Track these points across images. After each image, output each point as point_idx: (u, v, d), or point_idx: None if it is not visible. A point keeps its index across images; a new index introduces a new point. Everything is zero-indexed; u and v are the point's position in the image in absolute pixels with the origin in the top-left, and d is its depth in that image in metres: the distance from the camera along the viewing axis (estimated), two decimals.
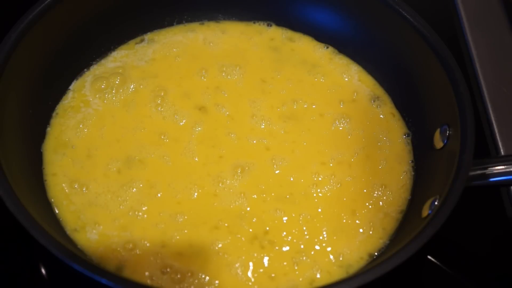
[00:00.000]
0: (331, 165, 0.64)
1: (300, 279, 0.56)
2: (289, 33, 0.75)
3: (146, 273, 0.55)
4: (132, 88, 0.68)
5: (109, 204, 0.59)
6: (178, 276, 0.55)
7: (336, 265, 0.57)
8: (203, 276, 0.55)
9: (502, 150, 0.72)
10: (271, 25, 0.75)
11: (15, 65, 0.58)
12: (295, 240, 0.58)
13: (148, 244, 0.57)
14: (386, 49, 0.70)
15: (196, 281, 0.55)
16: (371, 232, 0.60)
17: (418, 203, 0.59)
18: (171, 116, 0.66)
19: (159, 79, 0.69)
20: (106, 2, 0.69)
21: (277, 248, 0.58)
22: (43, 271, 0.61)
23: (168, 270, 0.55)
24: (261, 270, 0.56)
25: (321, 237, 0.59)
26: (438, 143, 0.62)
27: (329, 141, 0.65)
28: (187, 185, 0.61)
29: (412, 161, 0.65)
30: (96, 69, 0.70)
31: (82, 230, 0.58)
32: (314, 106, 0.68)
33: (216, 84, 0.69)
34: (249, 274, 0.56)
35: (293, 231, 0.59)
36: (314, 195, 0.61)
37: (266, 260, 0.57)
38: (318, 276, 0.56)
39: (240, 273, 0.56)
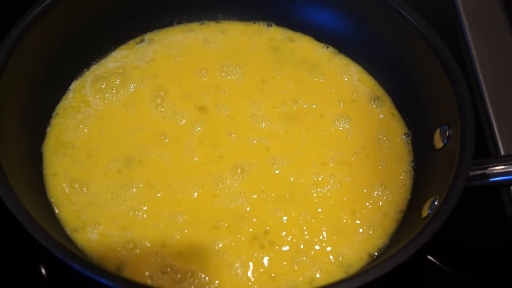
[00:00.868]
0: (331, 165, 0.64)
1: (300, 279, 0.56)
2: (289, 33, 0.75)
3: (146, 273, 0.55)
4: (132, 88, 0.68)
5: (109, 204, 0.59)
6: (178, 276, 0.55)
7: (336, 265, 0.57)
8: (203, 276, 0.55)
9: (502, 150, 0.72)
10: (271, 25, 0.75)
11: (15, 65, 0.58)
12: (295, 240, 0.58)
13: (148, 244, 0.57)
14: (386, 49, 0.70)
15: (196, 281, 0.55)
16: (371, 232, 0.60)
17: (418, 203, 0.59)
18: (171, 116, 0.66)
19: (159, 79, 0.69)
20: (106, 2, 0.69)
21: (277, 248, 0.58)
22: (43, 271, 0.61)
23: (168, 270, 0.55)
24: (261, 270, 0.56)
25: (321, 237, 0.59)
26: (438, 143, 0.62)
27: (329, 141, 0.66)
28: (187, 185, 0.61)
29: (412, 161, 0.65)
30: (96, 69, 0.70)
31: (82, 230, 0.58)
32: (314, 106, 0.68)
33: (216, 84, 0.69)
34: (249, 274, 0.56)
35: (293, 231, 0.59)
36: (314, 195, 0.61)
37: (266, 260, 0.57)
38: (318, 276, 0.56)
39: (240, 273, 0.56)
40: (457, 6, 0.86)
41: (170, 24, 0.75)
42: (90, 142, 0.63)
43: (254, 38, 0.74)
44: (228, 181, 0.61)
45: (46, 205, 0.59)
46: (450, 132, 0.59)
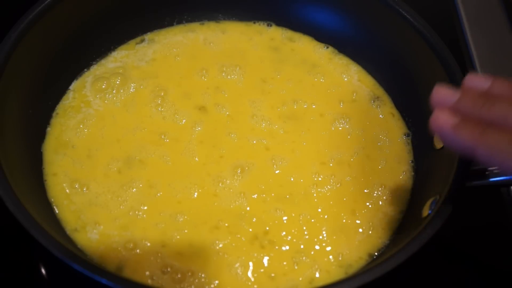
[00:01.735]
0: (331, 165, 0.64)
1: (300, 279, 0.56)
2: (289, 33, 0.75)
3: (147, 273, 0.55)
4: (133, 88, 0.68)
5: (110, 204, 0.59)
6: (179, 275, 0.55)
7: (335, 265, 0.57)
8: (203, 276, 0.55)
9: None
10: (271, 25, 0.75)
11: (15, 65, 0.58)
12: (295, 240, 0.58)
13: (148, 244, 0.57)
14: (386, 49, 0.70)
15: (196, 281, 0.55)
16: (370, 232, 0.60)
17: (418, 203, 0.59)
18: (171, 116, 0.66)
19: (159, 79, 0.69)
20: (106, 2, 0.69)
21: (277, 248, 0.58)
22: (43, 271, 0.61)
23: (168, 269, 0.55)
24: (261, 270, 0.56)
25: (320, 237, 0.59)
26: (438, 143, 0.62)
27: (329, 141, 0.66)
28: (187, 185, 0.61)
29: (412, 161, 0.65)
30: (97, 69, 0.70)
31: (83, 230, 0.58)
32: (314, 106, 0.68)
33: (216, 84, 0.69)
34: (249, 274, 0.56)
35: (293, 231, 0.59)
36: (314, 195, 0.61)
37: (266, 260, 0.57)
38: (317, 275, 0.56)
39: (240, 273, 0.56)
40: (457, 6, 0.86)
41: (170, 24, 0.75)
42: (90, 142, 0.63)
43: (254, 38, 0.74)
44: (228, 181, 0.61)
45: (46, 205, 0.59)
46: None
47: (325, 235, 0.59)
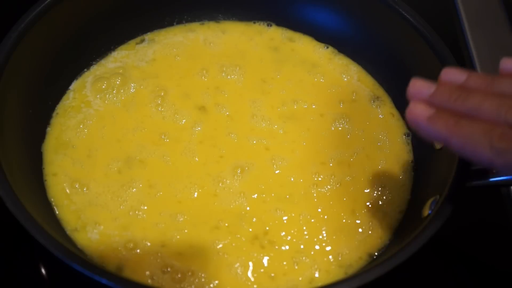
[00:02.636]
0: (331, 165, 0.64)
1: (300, 279, 0.56)
2: (289, 33, 0.75)
3: (147, 273, 0.55)
4: (133, 88, 0.68)
5: (110, 204, 0.59)
6: (179, 275, 0.55)
7: (335, 265, 0.57)
8: (203, 276, 0.55)
9: None
10: (271, 25, 0.75)
11: (15, 65, 0.58)
12: (294, 240, 0.58)
13: (148, 244, 0.57)
14: (386, 49, 0.70)
15: (196, 281, 0.55)
16: (370, 232, 0.60)
17: (418, 203, 0.59)
18: (171, 116, 0.66)
19: (159, 79, 0.69)
20: (106, 2, 0.69)
21: (277, 247, 0.58)
22: (43, 271, 0.61)
23: (168, 269, 0.55)
24: (261, 270, 0.56)
25: (320, 237, 0.59)
26: (438, 143, 0.62)
27: (328, 141, 0.66)
28: (187, 185, 0.61)
29: (412, 161, 0.65)
30: (97, 70, 0.70)
31: (83, 230, 0.58)
32: (314, 106, 0.68)
33: (216, 84, 0.69)
34: (249, 274, 0.56)
35: (293, 231, 0.59)
36: (314, 195, 0.61)
37: (266, 260, 0.57)
38: (317, 275, 0.56)
39: (240, 273, 0.56)
40: (457, 6, 0.86)
41: (170, 24, 0.75)
42: (91, 142, 0.63)
43: (254, 38, 0.74)
44: (228, 181, 0.62)
45: (46, 205, 0.59)
46: None
47: (325, 235, 0.59)
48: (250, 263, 0.57)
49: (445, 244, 0.64)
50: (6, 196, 0.50)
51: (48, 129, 0.64)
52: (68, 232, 0.57)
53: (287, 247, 0.58)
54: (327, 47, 0.74)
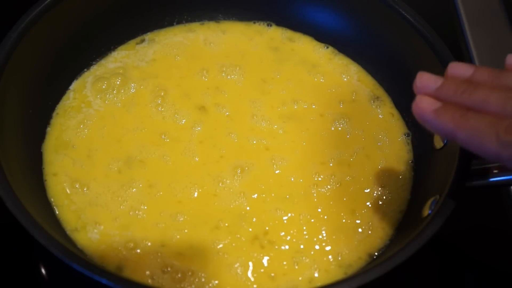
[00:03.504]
0: (330, 165, 0.64)
1: (300, 278, 0.56)
2: (289, 33, 0.75)
3: (147, 272, 0.55)
4: (133, 88, 0.68)
5: (110, 204, 0.59)
6: (179, 275, 0.55)
7: (335, 265, 0.57)
8: (203, 276, 0.55)
9: None
10: (271, 25, 0.75)
11: (15, 65, 0.58)
12: (294, 240, 0.58)
13: (148, 244, 0.57)
14: (386, 49, 0.70)
15: (196, 280, 0.55)
16: (370, 232, 0.60)
17: (418, 203, 0.59)
18: (171, 116, 0.66)
19: (159, 79, 0.69)
20: (106, 2, 0.69)
21: (276, 247, 0.58)
22: (43, 271, 0.61)
23: (168, 269, 0.56)
24: (261, 270, 0.56)
25: (320, 237, 0.59)
26: (438, 143, 0.62)
27: (328, 141, 0.66)
28: (187, 185, 0.61)
29: (412, 161, 0.65)
30: (97, 70, 0.70)
31: (83, 230, 0.58)
32: (314, 106, 0.68)
33: (216, 84, 0.69)
34: (249, 273, 0.56)
35: (293, 231, 0.59)
36: (314, 195, 0.61)
37: (266, 260, 0.57)
38: (316, 275, 0.56)
39: (240, 273, 0.56)
40: (457, 6, 0.87)
41: (170, 24, 0.75)
42: (91, 142, 0.63)
43: (254, 38, 0.74)
44: (228, 181, 0.62)
45: (46, 205, 0.59)
46: None
47: (324, 235, 0.59)
48: (250, 263, 0.57)
49: (445, 244, 0.64)
50: (6, 196, 0.50)
51: (48, 129, 0.64)
52: (68, 232, 0.57)
53: (287, 247, 0.58)
54: (327, 47, 0.74)
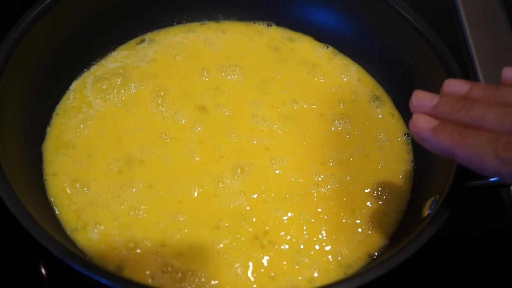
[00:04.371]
0: (330, 165, 0.64)
1: (300, 278, 0.56)
2: (289, 33, 0.75)
3: (147, 272, 0.55)
4: (133, 88, 0.68)
5: (110, 204, 0.59)
6: (179, 275, 0.55)
7: (335, 265, 0.57)
8: (203, 275, 0.55)
9: None
10: (271, 25, 0.75)
11: (15, 65, 0.58)
12: (294, 240, 0.58)
13: (149, 244, 0.57)
14: (386, 49, 0.70)
15: (196, 280, 0.55)
16: (370, 232, 0.60)
17: (418, 203, 0.59)
18: (172, 116, 0.66)
19: (159, 79, 0.69)
20: (106, 2, 0.69)
21: (276, 247, 0.58)
22: (43, 271, 0.61)
23: (169, 269, 0.56)
24: (261, 270, 0.56)
25: (320, 237, 0.59)
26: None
27: (328, 141, 0.66)
28: (187, 185, 0.61)
29: (412, 161, 0.65)
30: (97, 70, 0.70)
31: (83, 230, 0.58)
32: (314, 106, 0.68)
33: (216, 84, 0.69)
34: (249, 273, 0.56)
35: (293, 231, 0.59)
36: (314, 195, 0.61)
37: (266, 260, 0.57)
38: (316, 275, 0.56)
39: (240, 273, 0.56)
40: (457, 6, 0.86)
41: (170, 24, 0.75)
42: (91, 142, 0.63)
43: (254, 38, 0.74)
44: (228, 181, 0.62)
45: (46, 205, 0.59)
46: None
47: (324, 235, 0.59)
48: (250, 263, 0.57)
49: (445, 244, 0.64)
50: (6, 196, 0.50)
51: (48, 129, 0.64)
52: (68, 232, 0.57)
53: (287, 247, 0.58)
54: (327, 47, 0.74)
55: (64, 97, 0.67)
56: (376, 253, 0.58)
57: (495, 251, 0.66)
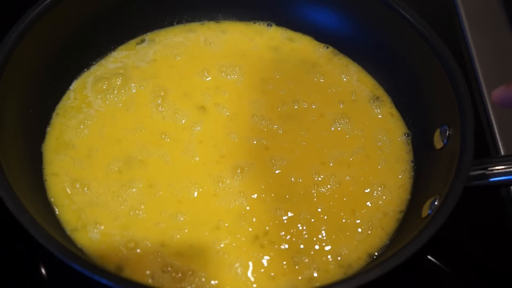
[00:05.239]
0: (330, 165, 0.64)
1: (300, 278, 0.56)
2: (289, 33, 0.75)
3: (147, 272, 0.55)
4: (133, 88, 0.68)
5: (110, 204, 0.59)
6: (179, 275, 0.55)
7: (335, 265, 0.57)
8: (203, 275, 0.55)
9: (502, 150, 0.72)
10: (271, 25, 0.75)
11: (15, 65, 0.58)
12: (294, 240, 0.58)
13: (149, 244, 0.57)
14: (386, 49, 0.70)
15: (196, 280, 0.55)
16: (370, 232, 0.60)
17: (418, 203, 0.59)
18: (172, 116, 0.66)
19: (159, 80, 0.69)
20: (106, 2, 0.69)
21: (276, 247, 0.58)
22: (43, 271, 0.61)
23: (169, 269, 0.56)
24: (261, 270, 0.56)
25: (320, 237, 0.59)
26: (438, 143, 0.62)
27: (328, 141, 0.66)
28: (187, 185, 0.61)
29: (412, 161, 0.65)
30: (97, 70, 0.70)
31: (83, 229, 0.58)
32: (314, 106, 0.68)
33: (216, 84, 0.69)
34: (249, 273, 0.56)
35: (293, 231, 0.59)
36: (314, 194, 0.61)
37: (266, 259, 0.57)
38: (316, 275, 0.56)
39: (240, 273, 0.56)
40: (457, 6, 0.87)
41: (170, 24, 0.75)
42: (91, 142, 0.64)
43: (254, 38, 0.74)
44: (228, 181, 0.62)
45: (46, 205, 0.59)
46: (450, 132, 0.59)
47: (324, 234, 0.59)
48: (250, 263, 0.57)
49: (445, 244, 0.64)
50: (6, 196, 0.50)
51: (48, 129, 0.64)
52: (68, 232, 0.57)
53: (287, 247, 0.58)
54: (327, 47, 0.74)
55: (64, 97, 0.67)
56: (376, 253, 0.58)
57: (495, 251, 0.66)
